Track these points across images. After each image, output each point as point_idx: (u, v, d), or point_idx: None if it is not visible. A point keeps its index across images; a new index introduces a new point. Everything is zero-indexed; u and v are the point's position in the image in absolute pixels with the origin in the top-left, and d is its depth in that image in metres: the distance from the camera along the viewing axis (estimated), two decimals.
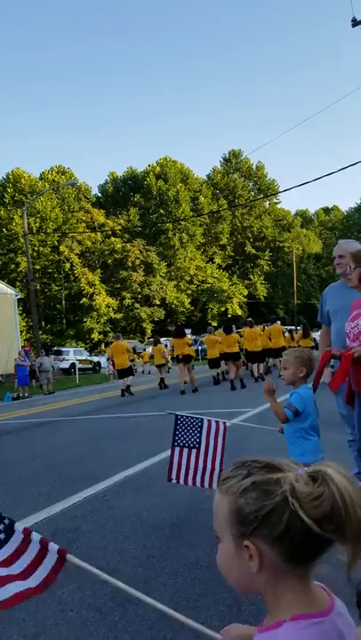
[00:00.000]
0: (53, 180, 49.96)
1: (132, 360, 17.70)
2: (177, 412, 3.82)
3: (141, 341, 44.39)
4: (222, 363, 15.99)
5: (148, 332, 49.33)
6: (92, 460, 6.54)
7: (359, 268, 3.39)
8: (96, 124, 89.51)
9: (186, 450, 3.75)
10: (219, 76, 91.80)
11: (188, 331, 16.45)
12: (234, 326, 16.85)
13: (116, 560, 3.44)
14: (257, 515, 0.86)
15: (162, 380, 16.01)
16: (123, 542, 3.73)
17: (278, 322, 17.88)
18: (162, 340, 17.79)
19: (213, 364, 15.89)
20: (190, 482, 3.75)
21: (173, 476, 3.77)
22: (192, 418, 3.77)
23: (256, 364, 15.57)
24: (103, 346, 36.68)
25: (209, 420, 3.79)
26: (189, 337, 16.58)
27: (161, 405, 11.35)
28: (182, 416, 3.78)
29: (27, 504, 4.82)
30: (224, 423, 3.82)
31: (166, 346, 19.72)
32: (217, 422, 3.80)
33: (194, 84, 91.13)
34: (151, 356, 22.23)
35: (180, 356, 14.29)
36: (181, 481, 3.75)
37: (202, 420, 3.76)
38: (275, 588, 0.89)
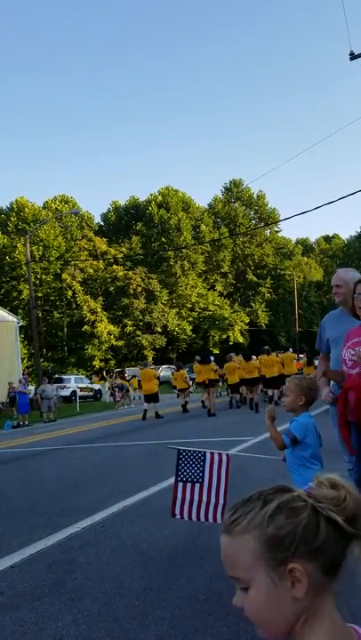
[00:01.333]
0: (56, 209, 50.55)
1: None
2: (179, 447, 3.79)
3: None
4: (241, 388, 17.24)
5: (150, 359, 49.21)
6: (91, 489, 6.46)
7: None
8: (98, 154, 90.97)
9: (189, 485, 3.72)
10: (219, 107, 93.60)
11: (211, 358, 18.11)
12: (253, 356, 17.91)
13: (113, 592, 3.38)
14: (295, 534, 0.85)
15: (185, 403, 17.05)
16: (120, 574, 3.67)
17: (290, 349, 18.54)
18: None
19: (233, 389, 17.06)
20: (195, 517, 3.71)
21: (177, 511, 3.73)
22: (194, 452, 3.74)
23: (272, 390, 16.02)
24: (104, 373, 36.55)
25: (212, 454, 3.76)
26: (213, 364, 17.58)
27: (161, 433, 11.27)
28: (184, 450, 3.75)
29: (23, 535, 4.75)
30: (227, 455, 3.78)
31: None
32: (220, 455, 3.76)
33: (195, 114, 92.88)
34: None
35: (207, 382, 15.49)
36: (185, 516, 3.72)
37: (204, 453, 3.72)
38: (313, 614, 0.86)
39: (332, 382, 4.09)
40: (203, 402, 17.10)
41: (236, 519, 0.90)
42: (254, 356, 17.51)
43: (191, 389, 18.24)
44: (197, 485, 3.69)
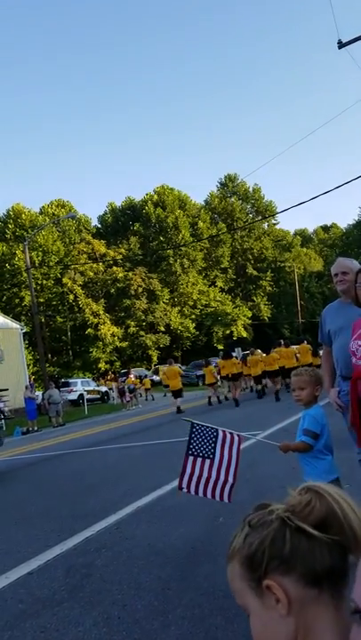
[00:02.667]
0: (53, 214, 50.55)
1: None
2: (193, 420, 3.77)
3: (148, 369, 44.31)
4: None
5: (155, 359, 49.22)
6: (104, 491, 6.47)
7: None
8: (92, 156, 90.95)
9: (200, 459, 3.68)
10: (210, 102, 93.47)
11: (233, 354, 19.36)
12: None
13: (132, 594, 3.38)
14: (263, 549, 0.81)
15: (211, 397, 18.23)
16: (138, 575, 3.67)
17: (305, 341, 19.08)
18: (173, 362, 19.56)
19: (257, 380, 18.16)
20: (201, 492, 3.65)
21: (184, 485, 3.68)
22: (207, 427, 3.71)
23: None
24: (111, 375, 36.59)
25: (224, 432, 3.74)
26: (235, 358, 19.05)
27: (170, 432, 11.28)
28: (197, 424, 3.72)
29: (39, 540, 4.76)
30: (238, 436, 3.77)
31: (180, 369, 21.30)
32: (231, 434, 3.75)
33: (186, 109, 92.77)
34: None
35: (230, 375, 16.94)
36: (192, 491, 3.66)
37: (217, 430, 3.70)
38: (307, 632, 0.80)
39: (338, 380, 4.10)
40: (209, 397, 18.22)
41: (229, 545, 0.89)
42: (259, 350, 19.04)
43: (219, 383, 19.17)
44: (208, 461, 3.65)
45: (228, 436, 3.73)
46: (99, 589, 3.53)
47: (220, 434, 3.71)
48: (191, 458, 3.64)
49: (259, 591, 0.82)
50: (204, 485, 3.61)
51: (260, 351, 19.61)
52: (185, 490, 3.64)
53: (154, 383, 33.13)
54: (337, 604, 0.81)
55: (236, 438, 3.73)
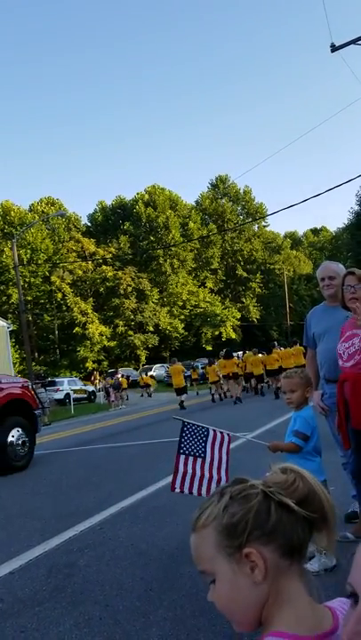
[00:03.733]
0: (43, 212, 50.27)
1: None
2: (184, 419, 3.75)
3: (136, 369, 44.22)
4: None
5: (143, 359, 49.16)
6: (89, 491, 6.43)
7: None
8: (83, 155, 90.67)
9: (191, 458, 3.66)
10: (202, 104, 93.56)
11: (234, 354, 21.00)
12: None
13: (114, 594, 3.36)
14: (247, 519, 0.87)
15: (214, 394, 19.82)
16: (120, 575, 3.65)
17: (298, 343, 19.67)
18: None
19: (259, 379, 19.24)
20: (195, 491, 3.64)
21: (177, 485, 3.66)
22: (198, 426, 3.70)
23: None
24: (97, 375, 36.47)
25: (214, 431, 3.73)
26: (236, 358, 20.43)
27: (155, 433, 11.26)
28: (188, 423, 3.70)
29: (21, 540, 4.72)
30: (228, 435, 3.77)
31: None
32: (222, 433, 3.74)
33: (177, 111, 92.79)
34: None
35: (230, 374, 18.05)
36: (186, 490, 3.64)
37: (207, 429, 3.70)
38: (277, 598, 0.87)
39: (321, 383, 4.11)
40: (213, 395, 19.90)
41: (198, 515, 0.93)
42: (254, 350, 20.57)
43: (222, 381, 20.00)
44: (199, 460, 3.64)
45: (219, 435, 3.72)
46: (81, 590, 3.51)
47: (211, 432, 3.70)
48: (183, 457, 3.63)
49: (235, 557, 0.87)
50: (198, 484, 3.59)
51: (250, 352, 20.79)
52: (178, 490, 3.62)
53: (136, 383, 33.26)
54: (301, 575, 0.89)
55: (226, 437, 3.72)
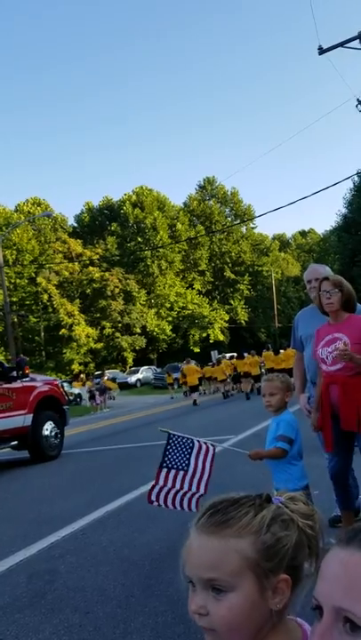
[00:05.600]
0: (29, 212, 49.95)
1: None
2: (170, 431, 3.72)
3: (123, 371, 44.09)
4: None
5: (130, 360, 49.03)
6: (72, 496, 6.37)
7: (340, 293, 3.42)
8: (70, 155, 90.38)
9: (173, 472, 3.62)
10: (190, 105, 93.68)
11: (245, 354, 21.91)
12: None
13: (95, 601, 3.32)
14: (288, 548, 0.86)
15: (223, 392, 21.44)
16: (102, 582, 3.61)
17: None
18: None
19: (256, 379, 19.92)
20: (170, 504, 3.61)
21: (154, 497, 3.62)
22: (184, 438, 3.67)
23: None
24: (84, 377, 36.26)
25: (199, 442, 3.70)
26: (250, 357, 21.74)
27: (139, 437, 11.21)
28: (175, 435, 3.66)
29: (3, 546, 4.65)
30: (213, 446, 3.74)
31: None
32: (206, 444, 3.71)
33: (166, 112, 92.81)
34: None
35: (242, 373, 19.99)
36: (161, 502, 3.61)
37: (193, 440, 3.66)
38: (278, 625, 0.87)
39: (308, 386, 4.10)
40: (223, 393, 21.51)
41: (225, 520, 0.87)
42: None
43: (229, 379, 21.84)
44: (181, 473, 3.60)
45: (204, 446, 3.69)
46: (61, 596, 3.46)
47: (196, 444, 3.67)
48: (165, 470, 3.59)
49: (268, 580, 0.84)
50: (173, 497, 3.56)
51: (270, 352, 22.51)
52: (155, 503, 3.58)
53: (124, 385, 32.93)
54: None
55: (210, 449, 3.70)
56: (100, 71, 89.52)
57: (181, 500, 3.54)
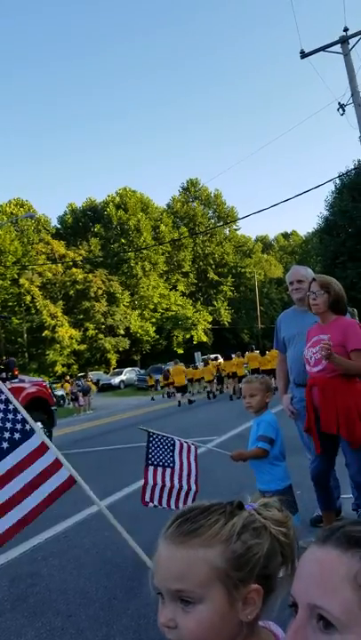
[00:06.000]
0: (12, 213, 49.57)
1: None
2: (149, 430, 3.71)
3: (106, 372, 43.89)
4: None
5: (113, 362, 48.85)
6: None
7: (327, 294, 3.44)
8: (53, 156, 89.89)
9: (160, 469, 3.61)
10: (173, 106, 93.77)
11: (233, 355, 22.81)
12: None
13: (77, 604, 3.30)
14: (261, 555, 0.83)
15: (211, 392, 21.69)
16: (84, 584, 3.59)
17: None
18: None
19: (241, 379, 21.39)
20: (165, 503, 3.59)
21: (148, 498, 3.60)
22: (164, 437, 3.66)
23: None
24: (69, 378, 36.04)
25: (180, 441, 3.70)
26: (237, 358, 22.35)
27: (123, 439, 11.18)
28: (155, 433, 3.66)
29: None
30: (195, 445, 3.74)
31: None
32: (187, 443, 3.72)
33: (149, 112, 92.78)
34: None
35: (230, 373, 20.43)
36: (156, 502, 3.59)
37: (173, 439, 3.66)
38: (249, 636, 0.84)
39: (291, 387, 4.12)
40: (208, 393, 21.85)
41: (194, 529, 0.83)
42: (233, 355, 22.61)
43: (215, 380, 22.32)
44: (168, 470, 3.58)
45: (185, 445, 3.70)
46: (43, 599, 3.44)
47: (177, 443, 3.67)
48: (152, 468, 3.58)
49: (238, 590, 0.81)
50: (167, 495, 3.55)
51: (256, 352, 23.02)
52: (150, 504, 3.57)
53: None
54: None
55: (192, 447, 3.70)
56: (85, 72, 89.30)
57: (177, 498, 3.53)
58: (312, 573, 0.68)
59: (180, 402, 19.54)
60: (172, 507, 3.52)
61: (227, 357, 21.85)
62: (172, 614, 0.82)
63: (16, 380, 9.53)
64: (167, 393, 25.94)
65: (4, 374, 9.18)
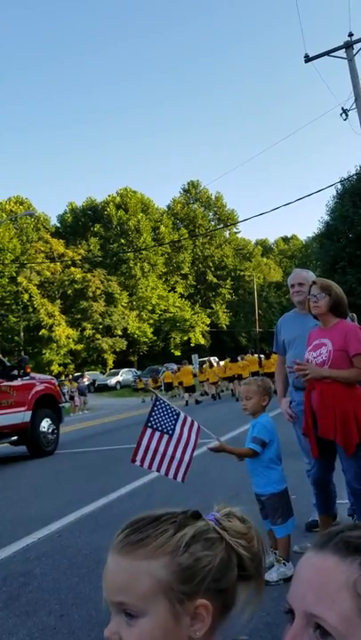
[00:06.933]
0: (11, 211, 49.46)
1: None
2: (158, 395, 3.66)
3: (103, 373, 43.83)
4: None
5: (110, 362, 48.79)
6: (49, 498, 6.31)
7: (328, 297, 3.43)
8: (54, 154, 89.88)
9: (158, 433, 3.55)
10: (176, 107, 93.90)
11: (238, 358, 23.30)
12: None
13: (70, 604, 3.28)
14: (210, 568, 0.78)
15: (216, 393, 22.33)
16: (77, 584, 3.57)
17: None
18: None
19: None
20: (155, 467, 3.52)
21: (139, 458, 3.53)
22: (170, 406, 3.62)
23: None
24: (63, 377, 36.01)
25: (185, 415, 3.66)
26: (242, 361, 22.98)
27: (119, 440, 11.16)
28: (162, 399, 3.62)
29: None
30: (198, 425, 3.71)
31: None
32: (192, 420, 3.67)
33: (152, 114, 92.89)
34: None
35: (236, 375, 20.66)
36: (146, 465, 3.52)
37: (179, 411, 3.62)
38: None
39: (290, 390, 4.11)
40: (213, 395, 22.39)
41: (140, 539, 0.79)
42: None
43: (220, 382, 22.86)
44: (166, 437, 3.52)
45: (189, 419, 3.65)
46: (36, 599, 3.41)
47: (182, 415, 3.62)
48: (149, 430, 3.50)
49: (183, 605, 0.76)
50: (159, 461, 3.46)
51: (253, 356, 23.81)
52: (138, 463, 3.50)
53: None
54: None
55: (195, 424, 3.65)
56: (88, 70, 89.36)
57: (168, 466, 3.45)
58: (309, 580, 0.66)
59: (187, 401, 20.12)
60: (162, 472, 3.45)
61: (233, 359, 22.43)
62: (116, 627, 0.78)
63: (27, 378, 9.84)
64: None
65: (16, 371, 9.53)
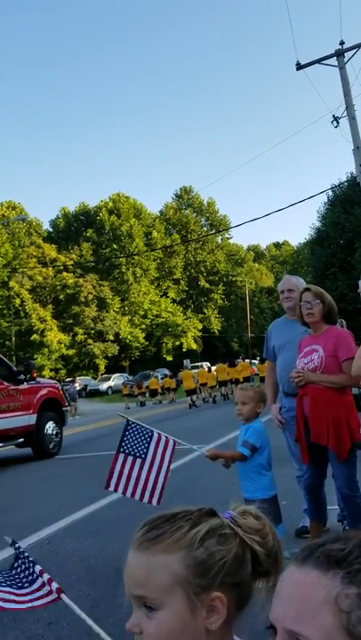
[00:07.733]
0: (3, 215, 49.31)
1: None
2: (128, 417, 3.66)
3: (94, 378, 43.70)
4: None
5: (102, 367, 48.67)
6: (38, 504, 6.27)
7: (322, 304, 3.45)
8: (46, 159, 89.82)
9: (131, 458, 3.55)
10: (168, 113, 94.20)
11: (236, 362, 24.13)
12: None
13: (59, 611, 3.24)
14: (225, 562, 0.81)
15: (214, 396, 22.90)
16: (67, 592, 3.51)
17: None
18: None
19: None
20: (130, 493, 3.53)
21: (113, 483, 3.54)
22: (143, 427, 3.61)
23: None
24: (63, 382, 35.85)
25: (159, 434, 3.65)
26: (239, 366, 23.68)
27: (109, 445, 11.10)
28: (133, 422, 3.61)
29: None
30: (174, 441, 3.70)
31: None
32: (167, 437, 3.67)
33: (144, 119, 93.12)
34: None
35: (233, 380, 21.70)
36: (120, 490, 3.53)
37: (152, 431, 3.61)
38: None
39: (280, 396, 4.12)
40: (213, 396, 22.86)
41: (157, 536, 0.84)
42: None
43: (217, 387, 23.43)
44: (139, 460, 3.52)
45: (163, 438, 3.64)
46: None
47: (155, 435, 3.62)
48: (122, 456, 3.51)
49: (200, 598, 0.80)
50: (133, 485, 3.47)
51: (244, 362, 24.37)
52: (112, 489, 3.50)
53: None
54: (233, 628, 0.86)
55: (170, 442, 3.65)
56: (81, 75, 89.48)
57: (143, 490, 3.45)
58: (291, 596, 0.65)
59: (190, 404, 20.94)
60: (136, 497, 3.45)
61: (231, 364, 22.81)
62: (137, 620, 0.82)
63: (33, 382, 10.13)
64: (140, 402, 26.14)
65: (22, 376, 9.75)
